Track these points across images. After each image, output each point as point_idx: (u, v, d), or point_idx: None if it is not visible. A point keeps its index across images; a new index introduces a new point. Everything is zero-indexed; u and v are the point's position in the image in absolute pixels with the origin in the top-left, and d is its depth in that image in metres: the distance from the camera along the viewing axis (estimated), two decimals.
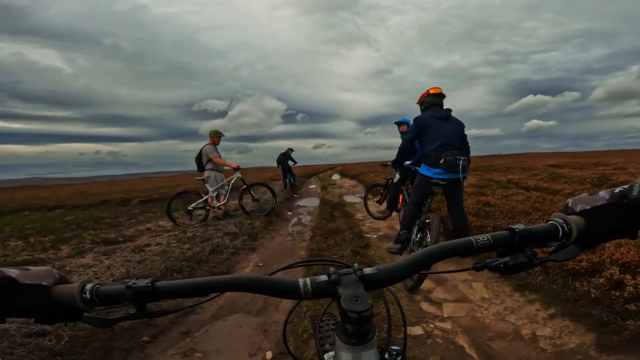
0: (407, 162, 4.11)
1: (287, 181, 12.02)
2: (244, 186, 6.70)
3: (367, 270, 0.47)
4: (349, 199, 9.73)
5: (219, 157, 6.49)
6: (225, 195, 6.63)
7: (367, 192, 6.72)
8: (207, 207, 6.46)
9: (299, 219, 6.83)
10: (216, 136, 6.53)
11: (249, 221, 5.97)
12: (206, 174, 6.48)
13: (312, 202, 9.41)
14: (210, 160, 6.41)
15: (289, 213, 7.63)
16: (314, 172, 30.10)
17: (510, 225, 0.49)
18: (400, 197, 5.01)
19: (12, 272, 0.41)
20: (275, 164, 11.93)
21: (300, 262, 0.63)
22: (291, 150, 12.06)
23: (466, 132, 3.17)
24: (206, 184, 6.49)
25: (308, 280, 0.46)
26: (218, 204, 6.52)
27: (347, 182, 16.43)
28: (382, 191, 5.89)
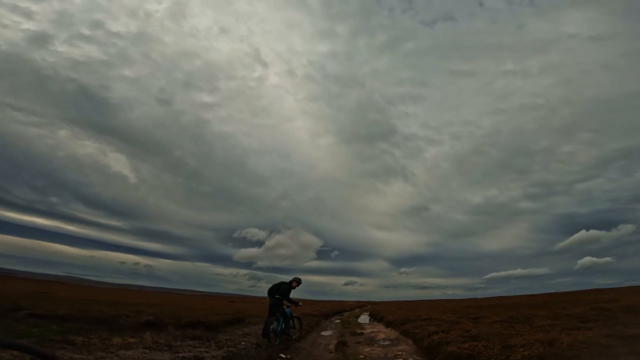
0: None
1: (276, 327, 7.81)
2: None
3: None
4: None
5: None
6: None
7: None
8: None
9: None
10: None
11: None
12: None
13: None
14: None
15: None
16: (339, 309, 24.72)
17: None
18: None
19: None
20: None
21: None
22: (297, 282, 8.34)
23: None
24: None
25: None
26: None
27: (382, 332, 11.42)
28: None
